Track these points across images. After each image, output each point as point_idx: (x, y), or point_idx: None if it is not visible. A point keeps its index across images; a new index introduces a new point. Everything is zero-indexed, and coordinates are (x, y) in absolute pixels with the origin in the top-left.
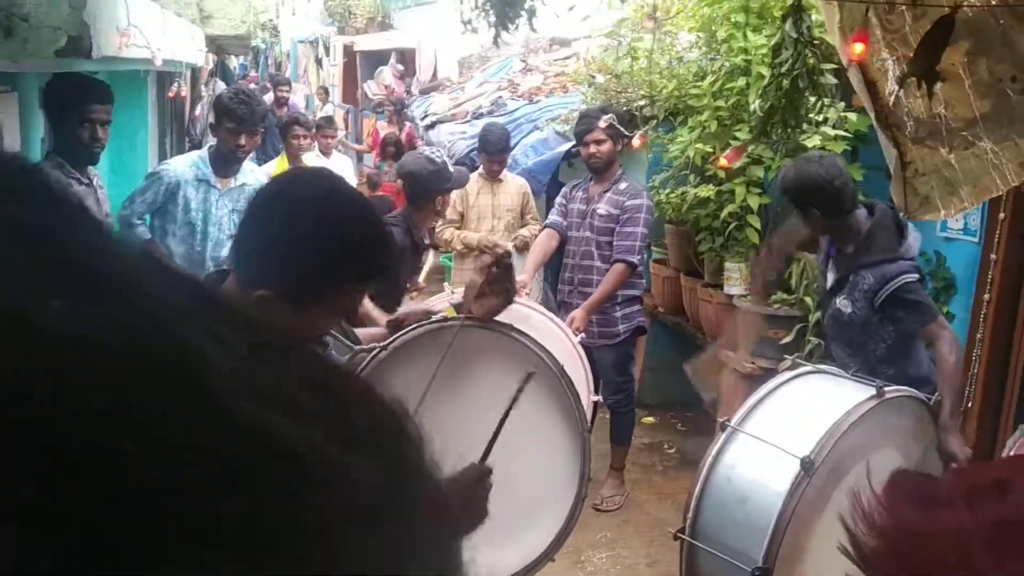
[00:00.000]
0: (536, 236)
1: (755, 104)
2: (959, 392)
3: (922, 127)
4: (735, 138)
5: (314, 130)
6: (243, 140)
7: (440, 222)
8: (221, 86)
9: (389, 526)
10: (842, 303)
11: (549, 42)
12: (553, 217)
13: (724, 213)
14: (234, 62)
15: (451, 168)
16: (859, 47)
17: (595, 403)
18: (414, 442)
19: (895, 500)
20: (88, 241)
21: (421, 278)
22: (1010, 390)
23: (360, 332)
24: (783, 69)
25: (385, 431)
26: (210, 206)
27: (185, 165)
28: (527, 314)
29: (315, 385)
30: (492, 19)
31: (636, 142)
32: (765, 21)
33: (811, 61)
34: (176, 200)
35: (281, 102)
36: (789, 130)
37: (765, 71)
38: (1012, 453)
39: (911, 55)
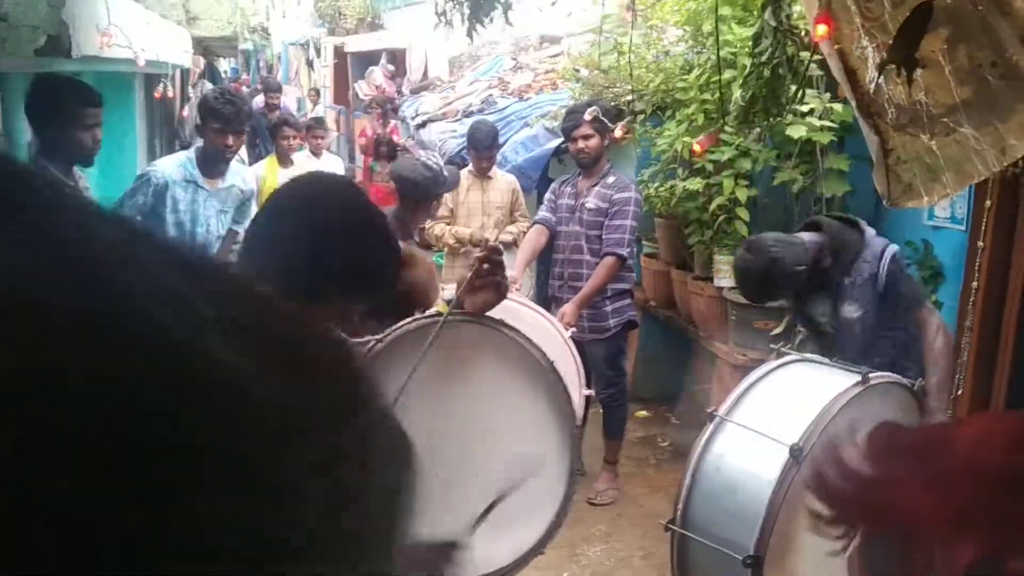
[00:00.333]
0: (525, 233)
1: (736, 93)
2: (946, 376)
3: (903, 114)
4: (723, 130)
5: (304, 131)
6: (230, 140)
7: (430, 220)
8: (209, 88)
9: (331, 446)
10: (849, 310)
11: (539, 40)
12: (542, 213)
13: (713, 206)
14: (225, 65)
15: (446, 172)
16: (822, 28)
17: (587, 397)
18: (360, 377)
19: (864, 448)
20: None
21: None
22: (999, 377)
23: None
24: (763, 58)
25: (326, 362)
26: (198, 207)
27: (173, 166)
28: (517, 309)
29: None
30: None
31: (618, 132)
32: (750, 13)
33: (791, 50)
34: (164, 201)
35: (272, 107)
36: (770, 119)
37: (749, 62)
38: None
39: (891, 42)
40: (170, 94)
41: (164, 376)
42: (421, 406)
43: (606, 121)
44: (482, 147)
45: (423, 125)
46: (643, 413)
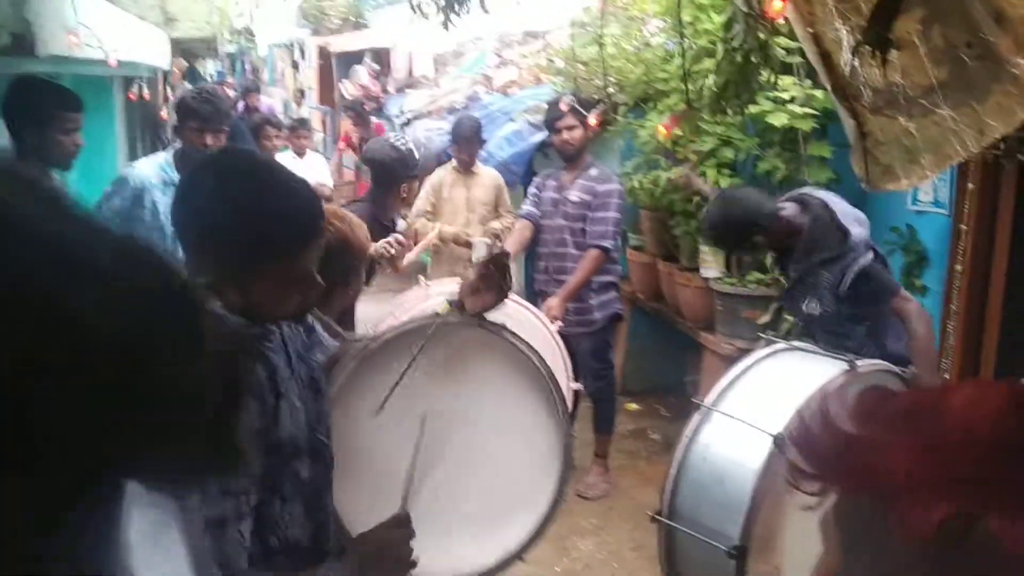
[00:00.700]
0: (509, 229)
1: (710, 79)
2: (933, 362)
3: (879, 96)
4: (703, 119)
5: (287, 131)
6: (208, 140)
7: (412, 214)
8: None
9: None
10: (810, 306)
11: (523, 35)
12: (527, 208)
13: (697, 196)
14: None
15: (416, 155)
16: (777, 4)
17: (575, 392)
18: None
19: (852, 407)
20: None
21: (405, 261)
22: (985, 360)
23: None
24: (735, 44)
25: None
26: None
27: (151, 168)
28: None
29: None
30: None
31: (592, 120)
32: (729, 1)
33: (762, 35)
34: (143, 203)
35: (252, 109)
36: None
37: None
38: None
39: (864, 24)
40: (146, 95)
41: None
42: (414, 406)
43: (581, 110)
44: (462, 139)
45: (409, 123)
46: (633, 406)
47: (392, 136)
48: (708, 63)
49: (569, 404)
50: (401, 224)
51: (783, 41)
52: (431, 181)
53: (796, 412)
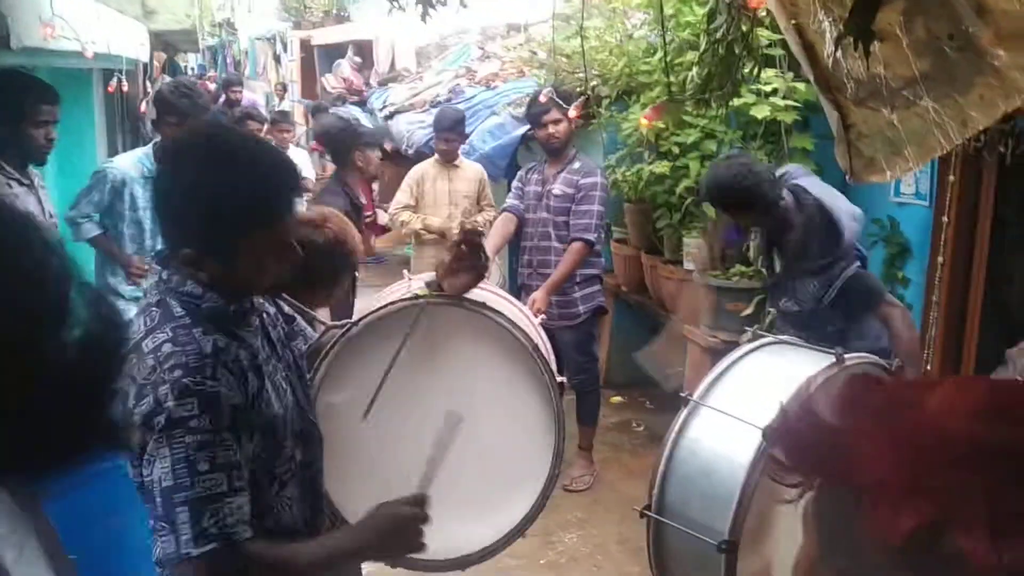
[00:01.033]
0: (492, 222)
1: (693, 71)
2: (917, 361)
3: (862, 88)
4: (687, 112)
5: (268, 125)
6: None
7: (395, 207)
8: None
9: None
10: (786, 305)
11: (506, 28)
12: (510, 201)
13: (680, 188)
14: (191, 60)
15: (365, 124)
16: None
17: (560, 385)
18: None
19: (834, 399)
20: None
21: (379, 244)
22: (967, 351)
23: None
24: (717, 35)
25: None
26: None
27: (130, 163)
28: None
29: None
30: None
31: (572, 113)
32: None
33: (745, 26)
34: (123, 198)
35: (233, 103)
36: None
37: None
38: None
39: (847, 16)
40: (124, 88)
41: None
42: (403, 389)
43: (561, 103)
44: (442, 128)
45: (391, 116)
46: (617, 399)
47: (340, 110)
48: (690, 56)
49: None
50: (383, 217)
51: (766, 33)
52: (413, 174)
53: (781, 404)
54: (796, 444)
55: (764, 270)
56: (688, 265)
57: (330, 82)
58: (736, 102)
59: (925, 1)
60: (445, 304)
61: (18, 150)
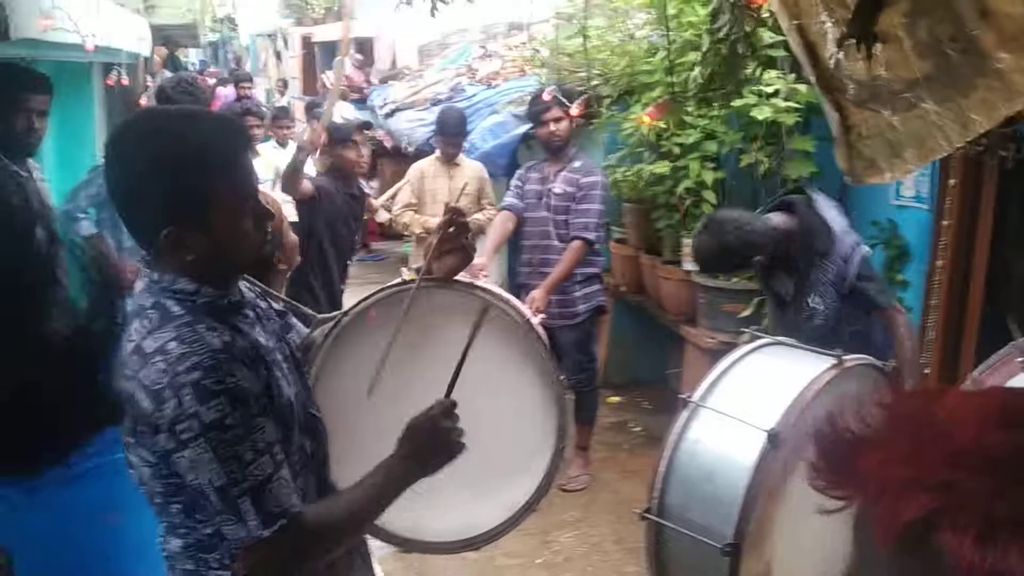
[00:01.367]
0: (491, 221)
1: (695, 71)
2: (916, 369)
3: (864, 90)
4: (688, 113)
5: (269, 121)
6: None
7: (398, 207)
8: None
9: None
10: (815, 301)
11: (508, 27)
12: (509, 199)
13: (680, 189)
14: (192, 56)
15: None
16: None
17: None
18: None
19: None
20: None
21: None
22: (965, 354)
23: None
24: (721, 35)
25: None
26: None
27: None
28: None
29: None
30: None
31: (575, 110)
32: None
33: (748, 26)
34: None
35: (243, 99)
36: (729, 96)
37: (707, 40)
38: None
39: (849, 17)
40: (124, 82)
41: None
42: (399, 374)
43: (565, 101)
44: (450, 133)
45: (391, 114)
46: (615, 399)
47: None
48: (692, 56)
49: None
50: (383, 215)
51: (768, 34)
52: (413, 173)
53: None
54: (824, 454)
55: (767, 295)
56: (687, 266)
57: (330, 79)
58: (737, 103)
59: (928, 3)
60: (435, 287)
61: (7, 140)
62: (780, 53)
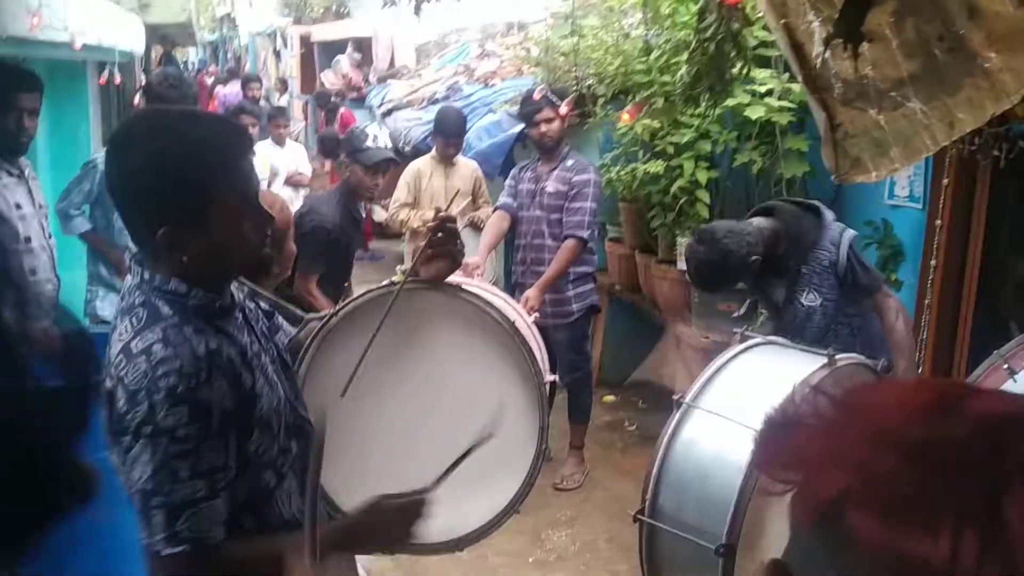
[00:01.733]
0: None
1: (682, 70)
2: (910, 355)
3: (850, 88)
4: (682, 112)
5: (266, 120)
6: None
7: (394, 205)
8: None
9: None
10: (808, 299)
11: (506, 26)
12: (503, 199)
13: (674, 188)
14: (192, 55)
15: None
16: None
17: (552, 383)
18: None
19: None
20: None
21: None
22: (959, 354)
23: None
24: (707, 34)
25: None
26: None
27: None
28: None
29: None
30: None
31: (563, 109)
32: None
33: (735, 25)
34: None
35: (254, 101)
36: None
37: (694, 39)
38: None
39: (836, 17)
40: (116, 80)
41: None
42: (385, 375)
43: (554, 100)
44: (450, 134)
45: (389, 113)
46: (610, 398)
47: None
48: (686, 55)
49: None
50: (380, 214)
51: (761, 34)
52: (410, 172)
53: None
54: (763, 436)
55: (762, 303)
56: (682, 265)
57: (329, 78)
58: (731, 102)
59: (916, 2)
60: (422, 289)
61: (3, 140)
62: (774, 52)
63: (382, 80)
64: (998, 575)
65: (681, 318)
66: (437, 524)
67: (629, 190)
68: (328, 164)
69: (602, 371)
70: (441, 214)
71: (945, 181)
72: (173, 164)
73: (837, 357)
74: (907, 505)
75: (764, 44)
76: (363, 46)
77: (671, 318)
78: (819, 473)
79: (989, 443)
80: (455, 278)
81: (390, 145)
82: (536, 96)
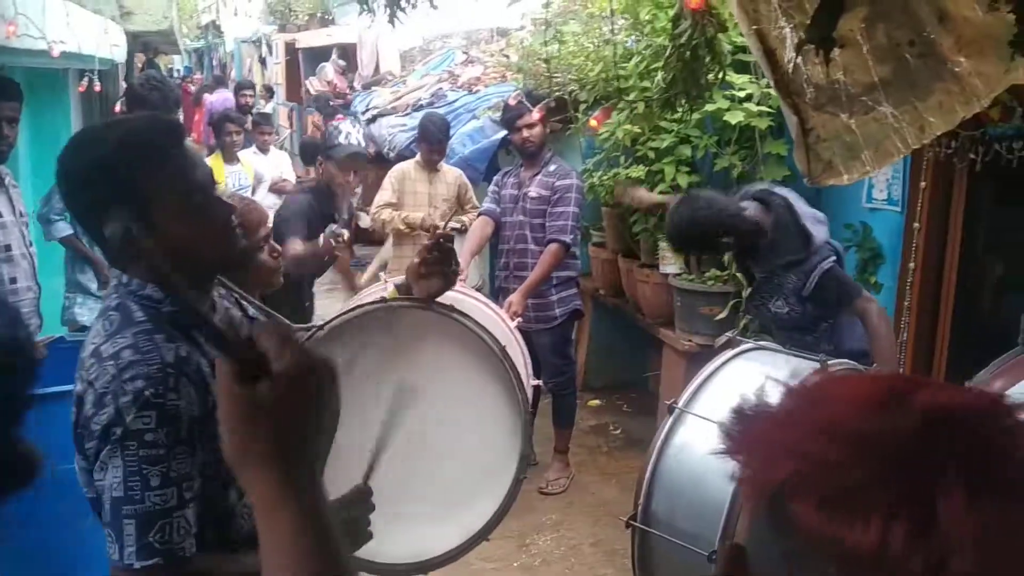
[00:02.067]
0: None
1: (658, 76)
2: (892, 359)
3: (822, 93)
4: (663, 118)
5: (250, 127)
6: None
7: (377, 204)
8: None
9: None
10: (777, 305)
11: (491, 32)
12: (487, 204)
13: (655, 193)
14: (177, 62)
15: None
16: None
17: (536, 387)
18: None
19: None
20: None
21: (364, 278)
22: (939, 355)
23: None
24: (682, 40)
25: None
26: None
27: None
28: (462, 300)
29: None
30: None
31: (535, 116)
32: None
33: (710, 31)
34: None
35: (246, 108)
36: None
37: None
38: None
39: (808, 22)
40: (97, 88)
41: None
42: (369, 391)
43: (529, 106)
44: (434, 140)
45: (374, 119)
46: (595, 402)
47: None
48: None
49: (529, 397)
50: (364, 220)
51: (739, 39)
52: (394, 173)
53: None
54: (728, 425)
55: (741, 276)
56: (664, 269)
57: (314, 85)
58: (710, 108)
59: (887, 8)
60: (413, 307)
61: None
62: (752, 58)
63: (367, 87)
64: (926, 566)
65: (664, 322)
66: (408, 544)
67: (611, 195)
68: (312, 171)
69: (586, 375)
70: (439, 232)
71: (923, 184)
72: (102, 168)
73: (830, 362)
74: (844, 494)
75: (742, 49)
76: (348, 53)
77: (654, 322)
78: (768, 461)
79: (929, 436)
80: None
81: (363, 143)
82: (512, 102)
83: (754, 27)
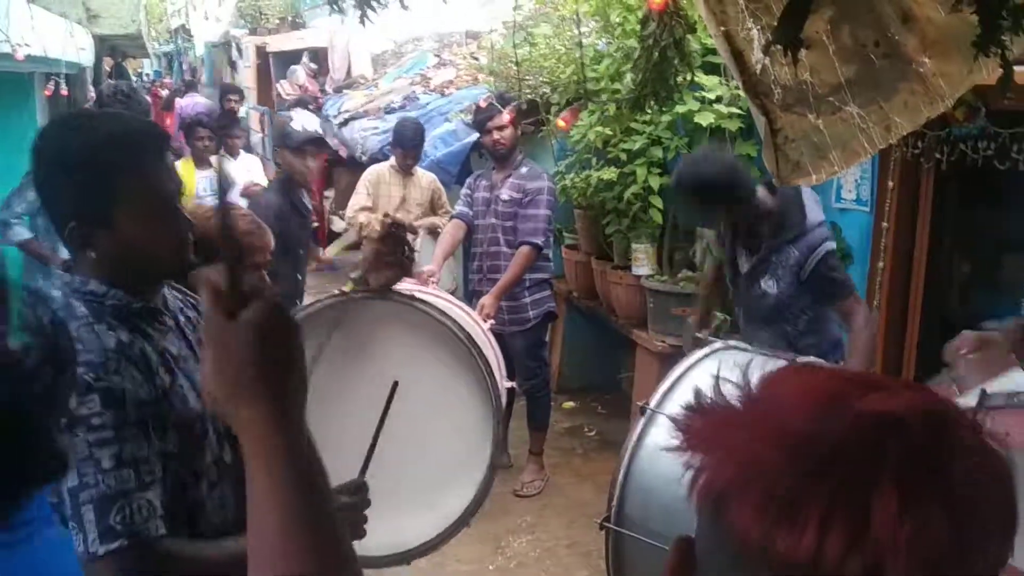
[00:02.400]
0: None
1: (627, 78)
2: (869, 363)
3: (789, 94)
4: (635, 120)
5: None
6: None
7: (352, 209)
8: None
9: None
10: (767, 284)
11: (464, 35)
12: (459, 208)
13: (627, 195)
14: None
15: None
16: None
17: (510, 390)
18: None
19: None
20: None
21: (332, 252)
22: (908, 355)
23: None
24: (651, 41)
25: None
26: None
27: None
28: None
29: None
30: None
31: (505, 117)
32: None
33: (678, 32)
34: None
35: (231, 113)
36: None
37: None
38: None
39: (775, 24)
40: (63, 91)
41: None
42: (336, 386)
43: (499, 107)
44: (409, 145)
45: (346, 123)
46: (570, 404)
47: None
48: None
49: (503, 402)
50: (339, 224)
51: (709, 41)
52: (369, 176)
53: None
54: (681, 422)
55: (726, 266)
56: (636, 270)
57: (285, 88)
58: (681, 109)
59: (852, 9)
60: (371, 299)
61: None
62: (722, 60)
63: (339, 90)
64: (860, 574)
65: (638, 323)
66: (385, 536)
67: (584, 197)
68: None
69: (561, 377)
70: (387, 219)
71: (890, 184)
72: (76, 160)
73: (799, 360)
74: (780, 500)
75: (712, 51)
76: (319, 56)
77: (628, 323)
78: (712, 462)
79: (866, 442)
80: (409, 286)
81: (316, 128)
82: (482, 104)
83: (722, 28)
